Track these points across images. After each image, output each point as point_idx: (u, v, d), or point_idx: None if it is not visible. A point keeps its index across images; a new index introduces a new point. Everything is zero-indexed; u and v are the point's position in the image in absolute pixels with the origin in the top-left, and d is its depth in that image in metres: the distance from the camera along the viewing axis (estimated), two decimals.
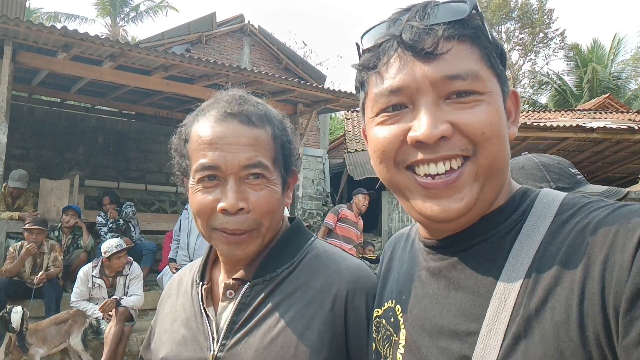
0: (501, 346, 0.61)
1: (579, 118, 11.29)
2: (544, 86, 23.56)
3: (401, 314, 0.78)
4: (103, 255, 5.09)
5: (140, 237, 7.18)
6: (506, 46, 26.15)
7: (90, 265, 5.25)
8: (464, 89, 0.67)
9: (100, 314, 4.94)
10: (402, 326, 0.76)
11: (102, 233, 6.72)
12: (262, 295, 0.93)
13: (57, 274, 5.67)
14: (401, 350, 0.75)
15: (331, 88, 8.38)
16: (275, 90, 7.95)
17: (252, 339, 0.90)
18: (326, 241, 5.60)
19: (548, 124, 8.35)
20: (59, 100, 9.62)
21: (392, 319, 0.79)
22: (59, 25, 5.93)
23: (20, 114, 8.97)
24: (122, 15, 23.94)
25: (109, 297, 5.05)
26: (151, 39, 11.48)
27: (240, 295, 0.94)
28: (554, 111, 14.61)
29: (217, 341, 0.92)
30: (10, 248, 5.54)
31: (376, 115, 0.72)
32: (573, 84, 22.46)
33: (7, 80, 5.84)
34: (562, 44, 25.38)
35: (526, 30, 25.25)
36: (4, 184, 6.46)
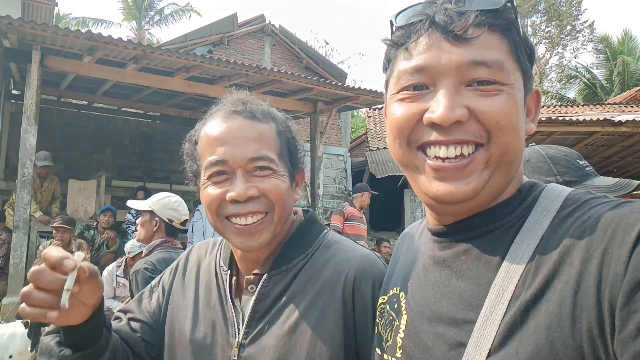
0: (495, 336, 0.62)
1: (608, 112, 10.96)
2: (572, 80, 22.93)
3: (404, 300, 0.80)
4: (126, 254, 5.19)
5: None
6: (532, 40, 25.56)
7: (114, 264, 5.36)
8: (487, 77, 0.67)
9: None
10: (404, 312, 0.79)
11: (130, 231, 6.87)
12: (280, 286, 0.98)
13: None
14: (401, 334, 0.77)
15: (351, 86, 8.36)
16: (295, 89, 7.99)
17: (273, 327, 0.95)
18: None
19: (574, 118, 8.13)
20: (86, 103, 9.89)
21: (396, 305, 0.82)
22: (86, 30, 6.10)
23: (50, 117, 9.25)
24: (147, 19, 24.44)
25: (133, 296, 5.16)
26: (174, 41, 11.68)
27: (259, 286, 0.99)
28: (582, 105, 14.22)
29: (241, 329, 0.97)
30: (40, 246, 5.74)
31: (397, 92, 0.74)
32: (603, 77, 21.78)
33: (35, 84, 6.02)
34: (591, 36, 24.62)
35: (553, 23, 24.61)
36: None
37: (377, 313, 0.87)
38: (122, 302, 5.14)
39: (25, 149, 5.94)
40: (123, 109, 10.12)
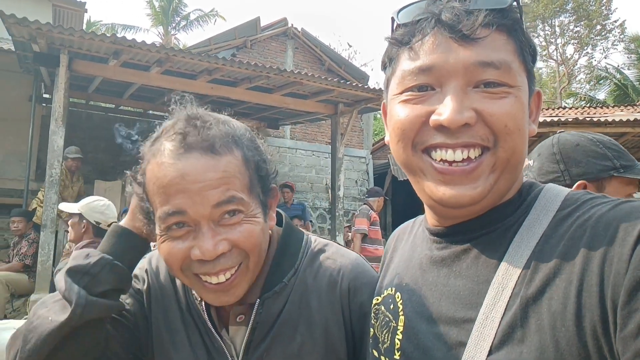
0: (495, 334, 0.62)
1: (639, 112, 10.60)
2: (602, 81, 22.28)
3: (401, 301, 0.79)
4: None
5: None
6: (560, 40, 25.03)
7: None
8: (494, 79, 0.66)
9: None
10: (401, 313, 0.78)
11: None
12: (275, 308, 0.91)
13: None
14: (399, 336, 0.76)
15: (372, 87, 8.34)
16: (316, 91, 8.02)
17: (276, 352, 0.89)
18: (363, 248, 5.48)
19: (603, 119, 7.90)
20: (113, 106, 10.15)
21: (392, 306, 0.80)
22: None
23: (79, 120, 9.53)
24: (174, 24, 24.95)
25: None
26: (199, 45, 11.87)
27: (253, 315, 0.89)
28: (613, 106, 13.80)
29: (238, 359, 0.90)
30: (66, 244, 5.89)
31: (401, 93, 0.72)
32: (634, 78, 21.09)
33: (63, 88, 6.21)
34: (622, 36, 23.93)
35: (582, 22, 24.01)
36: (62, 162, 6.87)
37: (372, 314, 0.86)
38: None
39: (53, 150, 6.13)
40: (149, 111, 10.34)
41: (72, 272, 0.82)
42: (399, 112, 0.72)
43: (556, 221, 0.65)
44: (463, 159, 0.67)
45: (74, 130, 8.36)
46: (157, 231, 0.82)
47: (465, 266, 0.70)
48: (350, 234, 8.23)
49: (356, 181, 13.16)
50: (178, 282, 0.99)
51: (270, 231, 0.95)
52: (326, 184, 12.13)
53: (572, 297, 0.57)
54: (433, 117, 0.67)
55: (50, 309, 0.81)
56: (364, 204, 6.61)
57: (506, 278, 0.64)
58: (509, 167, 0.68)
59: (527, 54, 0.70)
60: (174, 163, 0.78)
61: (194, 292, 0.93)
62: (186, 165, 0.78)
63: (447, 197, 0.68)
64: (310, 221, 9.51)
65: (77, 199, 7.25)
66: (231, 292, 0.83)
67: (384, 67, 0.79)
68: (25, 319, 4.19)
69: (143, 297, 1.00)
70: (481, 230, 0.71)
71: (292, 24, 12.97)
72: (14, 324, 4.40)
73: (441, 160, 0.68)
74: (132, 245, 0.90)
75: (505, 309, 0.62)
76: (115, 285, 0.85)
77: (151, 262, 1.04)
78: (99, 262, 0.83)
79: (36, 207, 6.74)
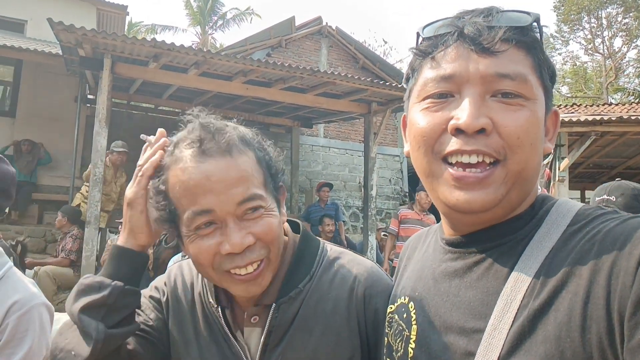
0: (504, 344, 0.64)
1: None
2: None
3: (414, 311, 0.82)
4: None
5: None
6: (607, 33, 23.92)
7: (180, 255, 5.70)
8: (511, 89, 0.69)
9: None
10: (414, 322, 0.80)
11: None
12: (290, 313, 0.94)
13: (148, 267, 6.21)
14: (412, 345, 0.79)
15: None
16: (349, 90, 8.02)
17: (289, 356, 0.92)
18: (396, 246, 5.51)
19: None
20: (153, 106, 10.48)
21: (405, 315, 0.83)
22: (155, 37, 6.46)
23: (120, 120, 9.88)
24: (211, 24, 25.39)
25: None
26: (234, 46, 12.07)
27: (269, 318, 0.93)
28: None
29: None
30: (108, 240, 6.17)
31: (422, 100, 0.75)
32: None
33: (107, 90, 6.48)
34: None
35: (631, 14, 22.86)
36: (106, 156, 6.91)
37: (386, 323, 0.88)
38: None
39: (97, 150, 6.41)
40: (187, 111, 10.60)
41: (89, 309, 0.85)
42: (419, 120, 0.75)
43: (566, 236, 0.67)
44: (478, 162, 0.70)
45: (116, 129, 8.67)
46: (185, 233, 0.87)
47: (476, 277, 0.73)
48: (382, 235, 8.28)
49: (390, 180, 13.07)
50: (196, 291, 1.03)
51: (286, 237, 1.00)
52: (359, 183, 12.11)
53: (578, 308, 0.59)
54: (452, 122, 0.70)
55: (70, 341, 0.86)
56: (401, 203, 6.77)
57: (515, 290, 0.66)
58: (520, 179, 0.70)
59: (545, 72, 0.73)
60: (197, 166, 0.84)
61: (210, 299, 0.98)
62: (209, 167, 0.84)
63: (461, 203, 0.71)
64: (344, 221, 9.55)
65: (120, 196, 7.54)
66: (258, 281, 0.88)
67: (407, 80, 0.83)
68: None
69: (163, 310, 1.04)
70: (494, 241, 0.73)
71: (326, 22, 12.98)
72: (59, 317, 4.66)
73: (457, 163, 0.71)
74: (136, 263, 0.93)
75: (514, 320, 0.64)
76: (131, 309, 0.90)
77: (170, 276, 1.08)
78: (113, 292, 0.86)
79: (80, 204, 7.05)
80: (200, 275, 1.02)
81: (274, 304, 0.93)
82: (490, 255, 0.73)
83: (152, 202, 0.89)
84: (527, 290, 0.65)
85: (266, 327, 0.92)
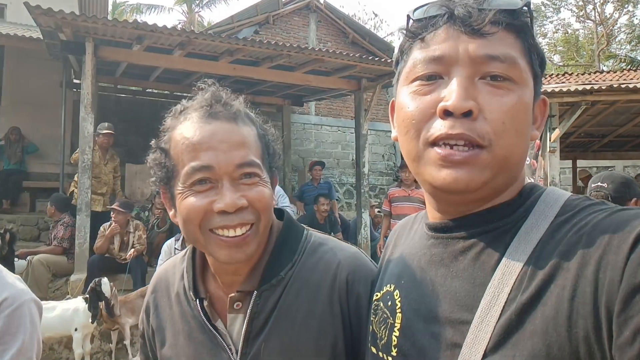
0: (490, 337, 0.63)
1: None
2: None
3: (399, 298, 0.81)
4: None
5: None
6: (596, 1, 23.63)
7: (173, 239, 5.73)
8: (500, 72, 0.69)
9: None
10: (398, 310, 0.79)
11: None
12: (272, 300, 0.94)
13: (142, 251, 6.23)
14: (396, 333, 0.78)
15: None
16: (338, 67, 7.92)
17: (272, 343, 0.92)
18: (391, 224, 5.64)
19: (639, 85, 7.51)
20: (140, 89, 10.33)
21: (390, 303, 0.82)
22: (141, 17, 6.31)
23: (108, 104, 9.76)
24: (197, 2, 24.86)
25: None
26: (221, 24, 11.86)
27: (250, 305, 0.94)
28: None
29: (237, 352, 0.93)
30: (100, 228, 6.16)
31: (411, 82, 0.74)
32: None
33: (90, 74, 6.35)
34: None
35: None
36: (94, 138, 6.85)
37: (372, 310, 0.88)
38: None
39: (84, 136, 6.33)
40: (175, 93, 10.49)
41: None
42: (408, 103, 0.74)
43: (554, 227, 0.66)
44: (465, 143, 0.69)
45: (103, 114, 8.57)
46: (179, 190, 0.89)
47: (463, 267, 0.72)
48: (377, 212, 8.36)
49: (383, 155, 13.06)
50: (173, 293, 1.04)
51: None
52: (352, 160, 12.10)
53: (565, 302, 0.59)
54: (440, 104, 0.69)
55: None
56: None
57: (502, 282, 0.66)
58: (506, 165, 0.70)
59: (535, 58, 0.73)
60: (203, 125, 0.88)
61: (190, 293, 0.99)
62: (214, 127, 0.88)
63: (447, 182, 0.70)
64: (337, 198, 9.57)
65: (112, 179, 7.48)
66: (243, 249, 0.89)
67: (396, 64, 0.81)
68: (67, 298, 4.44)
69: (151, 332, 1.08)
70: (479, 227, 0.73)
71: None
72: (55, 304, 4.70)
73: (444, 144, 0.70)
74: None
75: (501, 313, 0.64)
76: None
77: (153, 284, 1.11)
78: None
79: (73, 191, 7.01)
80: (180, 274, 1.03)
81: (255, 292, 0.94)
82: (477, 243, 0.72)
83: (152, 162, 0.94)
84: (514, 283, 0.65)
85: (248, 314, 0.93)
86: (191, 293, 0.99)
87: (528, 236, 0.67)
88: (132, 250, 6.02)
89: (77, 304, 4.63)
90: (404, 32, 0.77)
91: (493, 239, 0.71)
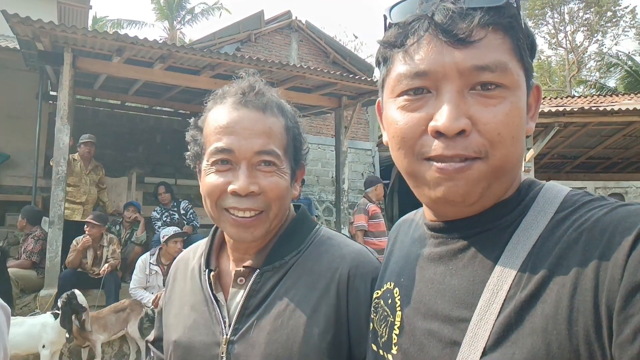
0: (489, 335, 0.62)
1: None
2: (612, 68, 21.92)
3: (398, 296, 0.80)
4: (161, 239, 5.49)
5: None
6: (569, 28, 24.64)
7: (148, 254, 5.65)
8: (491, 80, 0.65)
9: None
10: (398, 308, 0.78)
11: (156, 227, 7.08)
12: (271, 281, 0.97)
13: (116, 266, 6.05)
14: (396, 331, 0.77)
15: (376, 80, 8.30)
16: (319, 84, 7.98)
17: (264, 323, 0.94)
18: (365, 242, 5.47)
19: (609, 108, 7.79)
20: (119, 102, 10.20)
21: (390, 301, 0.81)
22: (121, 31, 6.27)
23: (85, 117, 9.59)
24: (179, 19, 24.93)
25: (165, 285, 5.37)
26: (203, 40, 11.87)
27: (250, 282, 0.97)
28: (623, 94, 13.59)
29: (230, 325, 0.96)
30: (73, 241, 5.97)
31: (398, 96, 0.71)
32: None
33: (68, 85, 6.24)
34: (633, 22, 23.53)
35: (592, 9, 23.61)
36: (75, 153, 6.83)
37: (372, 308, 0.87)
38: (153, 292, 5.36)
39: (59, 147, 6.18)
40: (154, 107, 10.39)
41: None
42: (397, 119, 0.71)
43: (553, 223, 0.65)
44: (460, 160, 0.67)
45: (80, 126, 8.42)
46: (204, 167, 0.97)
47: (462, 265, 0.71)
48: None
49: (362, 174, 13.13)
50: (189, 268, 1.12)
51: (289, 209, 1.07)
52: (332, 177, 12.12)
53: (565, 300, 0.58)
54: (431, 124, 0.66)
55: None
56: (363, 196, 6.56)
57: (501, 280, 0.65)
58: (503, 172, 0.68)
59: (525, 50, 0.68)
60: (232, 111, 0.95)
61: (203, 265, 1.07)
62: (241, 114, 0.95)
63: (445, 196, 0.68)
64: (317, 215, 9.54)
65: (94, 190, 7.26)
66: (250, 230, 0.95)
67: (378, 65, 0.78)
68: (34, 313, 4.26)
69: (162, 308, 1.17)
70: (477, 228, 0.71)
71: (296, 17, 12.91)
72: (23, 320, 4.50)
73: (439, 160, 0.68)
74: None
75: (500, 311, 0.63)
76: None
77: (173, 265, 1.21)
78: None
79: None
80: (200, 253, 1.11)
81: (257, 270, 0.98)
82: (476, 242, 0.71)
83: (189, 138, 1.02)
84: (513, 280, 0.63)
85: (246, 290, 0.97)
86: (203, 265, 1.06)
87: (527, 233, 0.66)
88: (106, 264, 5.84)
89: (46, 319, 4.43)
90: (384, 43, 0.73)
91: (492, 237, 0.70)
